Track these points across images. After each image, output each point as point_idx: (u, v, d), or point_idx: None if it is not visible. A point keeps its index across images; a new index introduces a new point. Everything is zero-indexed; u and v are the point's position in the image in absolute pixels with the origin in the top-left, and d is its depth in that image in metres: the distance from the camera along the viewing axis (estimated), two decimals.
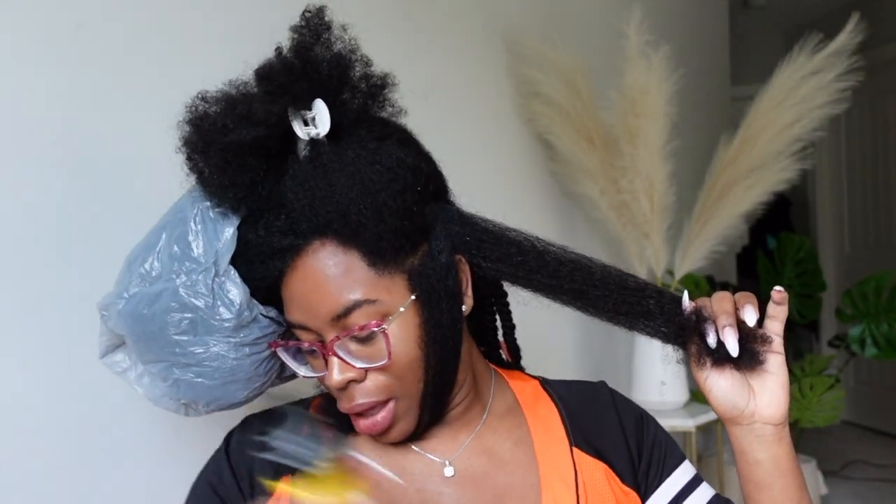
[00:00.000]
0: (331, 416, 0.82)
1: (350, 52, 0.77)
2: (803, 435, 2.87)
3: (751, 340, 0.74)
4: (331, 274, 0.72)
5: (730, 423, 0.77)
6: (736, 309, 0.74)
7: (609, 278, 0.78)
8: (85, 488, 1.02)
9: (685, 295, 0.77)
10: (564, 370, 1.95)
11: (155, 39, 1.14)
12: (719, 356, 0.74)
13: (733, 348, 0.72)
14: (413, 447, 0.82)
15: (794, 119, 2.07)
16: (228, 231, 0.76)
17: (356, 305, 0.72)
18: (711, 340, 0.74)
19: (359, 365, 0.73)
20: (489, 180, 1.95)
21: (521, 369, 0.94)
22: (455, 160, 1.96)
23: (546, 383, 0.90)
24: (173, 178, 1.12)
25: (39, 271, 0.99)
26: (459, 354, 0.78)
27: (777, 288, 0.75)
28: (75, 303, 1.01)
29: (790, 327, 3.70)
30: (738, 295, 0.76)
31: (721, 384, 0.75)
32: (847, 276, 4.41)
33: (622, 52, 2.03)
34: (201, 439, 1.15)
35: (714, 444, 2.48)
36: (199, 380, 0.80)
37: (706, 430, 2.37)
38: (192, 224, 0.77)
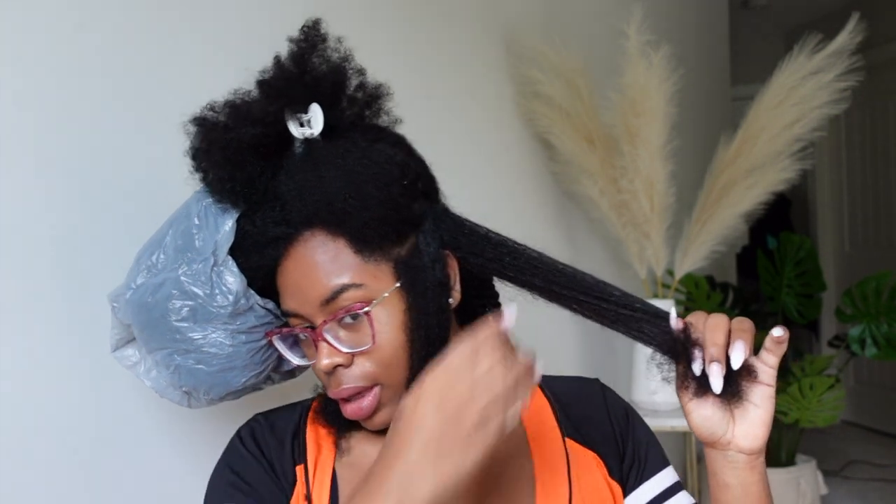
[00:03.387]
0: (329, 416, 0.84)
1: (343, 61, 0.83)
2: (803, 435, 2.87)
3: (737, 373, 0.72)
4: (320, 261, 0.76)
5: (705, 444, 0.77)
6: (728, 342, 0.72)
7: (588, 284, 0.79)
8: (93, 486, 1.02)
9: (672, 312, 0.76)
10: (565, 370, 1.95)
11: (156, 40, 1.14)
12: (702, 385, 0.73)
13: (717, 386, 0.71)
14: None
15: (794, 119, 2.07)
16: (228, 223, 0.81)
17: (343, 289, 0.75)
18: (696, 368, 0.73)
19: (345, 349, 0.77)
20: (489, 180, 1.95)
21: None
22: (455, 160, 1.97)
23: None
24: (174, 177, 1.12)
25: (45, 273, 0.99)
26: (447, 343, 0.79)
27: (776, 333, 0.72)
28: (87, 302, 1.02)
29: (790, 328, 3.71)
30: (734, 323, 0.73)
31: (702, 411, 0.74)
32: (847, 276, 4.42)
33: (622, 52, 2.04)
34: (209, 438, 1.15)
35: None
36: (199, 366, 0.85)
37: None
38: (196, 219, 0.83)
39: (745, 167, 2.15)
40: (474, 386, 0.65)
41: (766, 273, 3.09)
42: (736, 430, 0.74)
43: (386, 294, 0.76)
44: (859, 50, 2.02)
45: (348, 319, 0.77)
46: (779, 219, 4.66)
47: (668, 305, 2.21)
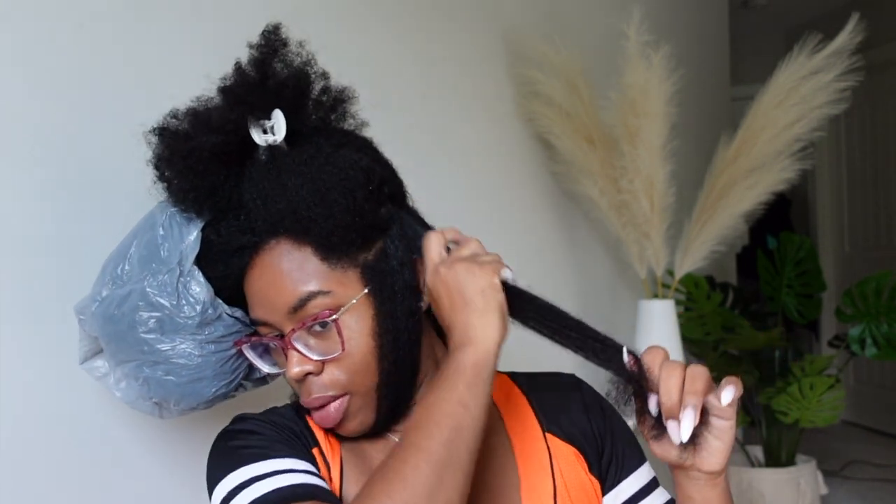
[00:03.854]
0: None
1: (306, 65, 0.82)
2: (803, 435, 2.87)
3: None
4: (286, 269, 0.76)
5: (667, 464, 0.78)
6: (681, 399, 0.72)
7: (543, 306, 0.78)
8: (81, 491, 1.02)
9: (624, 350, 0.75)
10: (564, 371, 1.95)
11: (155, 40, 1.14)
12: (659, 425, 0.74)
13: (676, 440, 0.72)
14: (397, 441, 0.83)
15: (794, 119, 2.07)
16: (193, 233, 0.81)
17: (310, 297, 0.76)
18: (652, 409, 0.73)
19: (315, 357, 0.76)
20: (489, 180, 1.95)
21: None
22: (455, 160, 1.97)
23: (514, 376, 0.93)
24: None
25: (32, 276, 0.99)
26: (418, 346, 0.80)
27: (725, 399, 0.71)
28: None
29: (790, 328, 3.70)
30: (687, 382, 0.71)
31: (662, 444, 0.75)
32: (847, 276, 4.41)
33: (622, 52, 2.03)
34: (185, 445, 1.15)
35: None
36: (169, 377, 0.84)
37: None
38: (161, 229, 0.82)
39: (745, 167, 2.14)
40: (463, 279, 0.75)
41: (766, 273, 3.09)
42: (696, 457, 0.74)
43: (354, 301, 0.76)
44: (859, 50, 2.02)
45: (317, 327, 0.76)
46: (779, 219, 4.65)
47: (667, 307, 2.22)
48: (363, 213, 0.76)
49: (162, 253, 0.82)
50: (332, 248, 0.76)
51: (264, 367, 0.83)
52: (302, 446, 0.79)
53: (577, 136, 2.08)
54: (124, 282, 0.85)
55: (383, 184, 0.80)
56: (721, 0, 3.57)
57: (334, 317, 0.75)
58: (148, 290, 0.82)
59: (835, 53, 2.00)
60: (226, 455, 0.77)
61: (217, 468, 0.76)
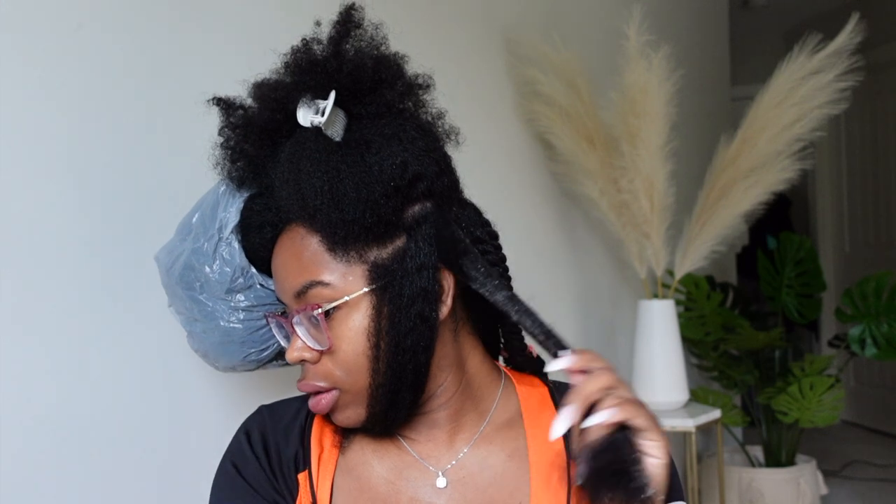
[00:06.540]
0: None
1: (375, 49, 0.81)
2: (803, 435, 2.88)
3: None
4: (296, 253, 0.77)
5: None
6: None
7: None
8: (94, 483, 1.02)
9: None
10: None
11: (155, 39, 1.14)
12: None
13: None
14: (410, 452, 0.82)
15: (794, 119, 2.07)
16: (236, 204, 0.85)
17: (311, 285, 0.75)
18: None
19: (311, 345, 0.76)
20: (489, 180, 1.95)
21: (542, 375, 0.89)
22: (454, 160, 1.96)
23: (555, 391, 0.86)
24: (173, 175, 1.13)
25: (30, 275, 0.99)
26: (427, 354, 0.76)
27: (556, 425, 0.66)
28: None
29: (790, 328, 3.70)
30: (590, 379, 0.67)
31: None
32: (847, 276, 4.41)
33: (622, 52, 2.04)
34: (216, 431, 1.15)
35: (714, 444, 2.48)
36: (205, 335, 0.90)
37: (706, 430, 2.36)
38: (218, 196, 0.87)
39: (745, 167, 2.15)
40: None
41: (766, 273, 3.09)
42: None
43: (347, 298, 0.74)
44: (859, 50, 2.02)
45: (315, 317, 0.76)
46: (779, 219, 4.66)
47: (667, 307, 2.22)
48: (377, 208, 0.73)
49: (217, 215, 0.87)
50: (338, 241, 0.74)
51: (283, 342, 0.83)
52: (275, 480, 0.80)
53: (577, 136, 2.08)
54: (183, 237, 0.90)
55: (417, 181, 0.75)
56: (721, 0, 3.58)
57: (318, 311, 0.74)
58: (192, 250, 0.87)
59: (835, 53, 2.00)
60: (219, 477, 0.82)
61: (213, 485, 0.82)
